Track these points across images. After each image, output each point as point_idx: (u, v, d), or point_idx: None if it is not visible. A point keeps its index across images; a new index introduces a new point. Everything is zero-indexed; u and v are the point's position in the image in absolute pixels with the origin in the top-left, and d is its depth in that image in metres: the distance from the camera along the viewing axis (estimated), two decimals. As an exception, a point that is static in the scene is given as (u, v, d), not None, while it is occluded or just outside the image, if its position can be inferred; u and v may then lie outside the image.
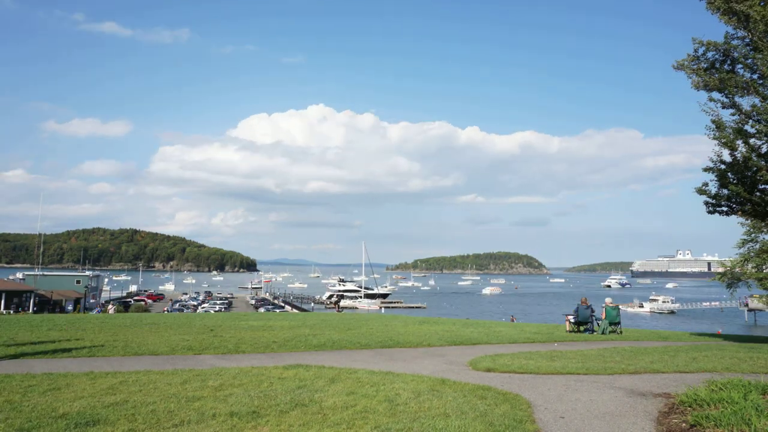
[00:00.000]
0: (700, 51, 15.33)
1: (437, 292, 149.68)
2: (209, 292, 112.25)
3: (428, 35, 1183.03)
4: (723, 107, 14.93)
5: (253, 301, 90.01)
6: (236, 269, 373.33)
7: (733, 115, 14.84)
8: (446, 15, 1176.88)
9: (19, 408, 5.65)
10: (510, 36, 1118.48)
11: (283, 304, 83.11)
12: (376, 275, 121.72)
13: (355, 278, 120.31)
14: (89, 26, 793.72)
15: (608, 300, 19.40)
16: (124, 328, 15.00)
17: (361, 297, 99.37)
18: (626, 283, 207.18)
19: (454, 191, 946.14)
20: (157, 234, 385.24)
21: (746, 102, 14.50)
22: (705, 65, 15.32)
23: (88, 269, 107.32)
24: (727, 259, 34.12)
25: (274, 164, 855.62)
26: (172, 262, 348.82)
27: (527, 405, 6.17)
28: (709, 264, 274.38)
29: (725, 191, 15.21)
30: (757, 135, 14.30)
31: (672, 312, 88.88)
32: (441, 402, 6.15)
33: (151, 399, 6.13)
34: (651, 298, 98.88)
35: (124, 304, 63.47)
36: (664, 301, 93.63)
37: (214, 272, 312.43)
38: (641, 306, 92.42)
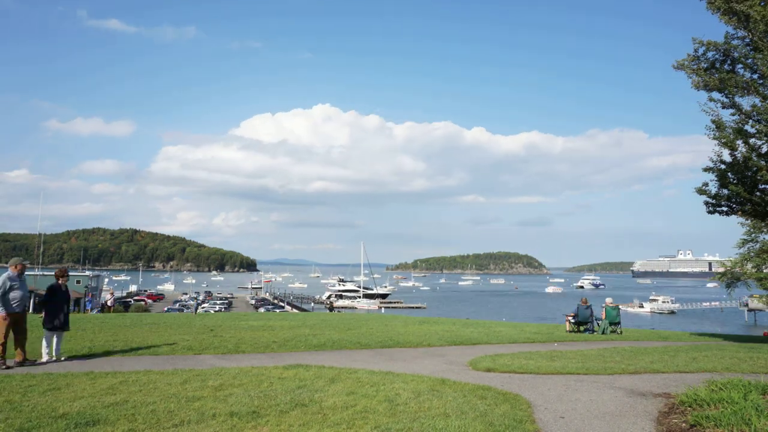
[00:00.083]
0: (701, 51, 15.34)
1: (478, 289, 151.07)
2: (209, 292, 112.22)
3: (435, 36, 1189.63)
4: (723, 107, 14.94)
5: (253, 301, 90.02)
6: (236, 269, 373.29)
7: (733, 115, 14.85)
8: (451, 16, 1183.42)
9: (19, 408, 5.65)
10: (515, 36, 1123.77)
11: (283, 304, 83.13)
12: (376, 275, 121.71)
13: (355, 278, 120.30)
14: (93, 23, 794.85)
15: (608, 300, 19.40)
16: (124, 328, 14.99)
17: (360, 297, 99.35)
18: (600, 284, 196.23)
19: (457, 191, 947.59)
20: (157, 234, 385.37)
21: (746, 102, 14.51)
22: (705, 65, 15.33)
23: (88, 269, 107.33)
24: (727, 259, 34.13)
25: (278, 163, 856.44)
26: (172, 262, 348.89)
27: (527, 405, 6.17)
28: (710, 264, 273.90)
29: (725, 191, 15.22)
30: (757, 135, 14.30)
31: (672, 312, 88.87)
32: (441, 402, 6.15)
33: (151, 399, 6.13)
34: (651, 298, 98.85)
35: (124, 304, 63.40)
36: (664, 301, 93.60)
37: (214, 272, 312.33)
38: (641, 306, 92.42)
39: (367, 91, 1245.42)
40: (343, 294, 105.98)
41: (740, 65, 14.79)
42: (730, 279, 31.36)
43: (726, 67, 15.02)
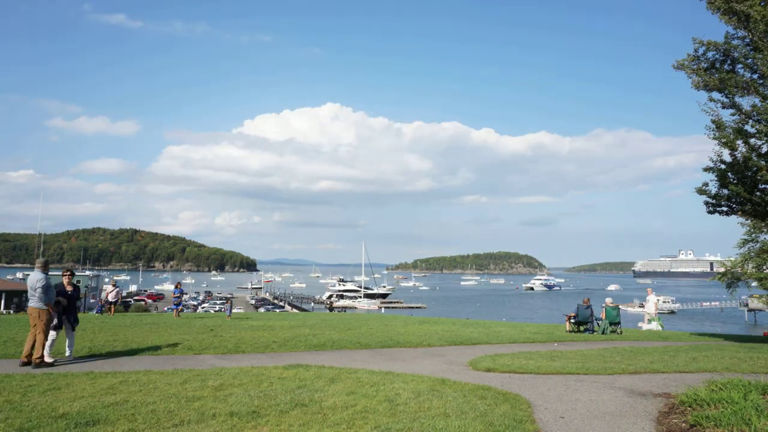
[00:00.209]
0: (701, 51, 15.33)
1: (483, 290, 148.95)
2: (209, 291, 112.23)
3: (447, 37, 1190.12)
4: (723, 107, 14.93)
5: (253, 301, 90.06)
6: (236, 269, 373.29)
7: (733, 115, 14.84)
8: (467, 15, 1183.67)
9: (19, 408, 5.65)
10: (526, 37, 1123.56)
11: (283, 304, 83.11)
12: (376, 275, 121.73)
13: (356, 278, 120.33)
14: (96, 17, 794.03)
15: (608, 300, 19.41)
16: (124, 328, 14.99)
17: (360, 297, 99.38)
18: (554, 285, 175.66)
19: (461, 191, 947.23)
20: (157, 234, 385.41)
21: (746, 102, 14.51)
22: (705, 65, 15.32)
23: (88, 269, 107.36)
24: (727, 259, 34.13)
25: (285, 162, 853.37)
26: (172, 262, 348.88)
27: (527, 405, 6.17)
28: (711, 264, 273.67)
29: (725, 191, 15.21)
30: (757, 135, 14.30)
31: (672, 312, 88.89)
32: (441, 402, 6.15)
33: (151, 399, 6.13)
34: None
35: (124, 304, 63.40)
36: (664, 301, 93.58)
37: (214, 272, 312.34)
38: (641, 306, 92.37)
39: (376, 90, 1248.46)
40: (344, 294, 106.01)
41: (740, 65, 14.79)
42: (731, 279, 31.37)
43: (726, 67, 15.02)
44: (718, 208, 15.71)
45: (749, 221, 22.20)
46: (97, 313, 21.34)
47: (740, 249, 27.80)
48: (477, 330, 17.14)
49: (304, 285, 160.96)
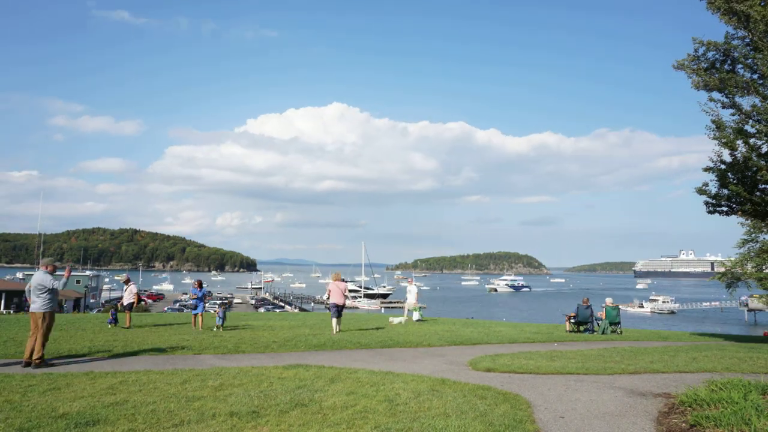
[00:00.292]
0: (701, 51, 15.35)
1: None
2: (209, 291, 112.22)
3: (455, 38, 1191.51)
4: (723, 107, 14.95)
5: (253, 301, 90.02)
6: (236, 269, 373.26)
7: (733, 115, 14.86)
8: (469, 15, 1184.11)
9: (19, 408, 5.65)
10: (533, 37, 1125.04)
11: (283, 304, 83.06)
12: (376, 275, 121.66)
13: (356, 278, 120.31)
14: (99, 13, 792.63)
15: (608, 300, 19.42)
16: (124, 328, 15.00)
17: (361, 297, 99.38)
18: (522, 285, 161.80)
19: (464, 191, 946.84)
20: (157, 234, 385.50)
21: (746, 102, 14.52)
22: (705, 65, 15.33)
23: (88, 269, 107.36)
24: (727, 259, 34.14)
25: (289, 161, 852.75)
26: (172, 262, 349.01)
27: (527, 405, 6.17)
28: (712, 264, 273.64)
29: (725, 191, 15.22)
30: (757, 135, 14.31)
31: (672, 312, 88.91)
32: (441, 402, 6.15)
33: (151, 399, 6.13)
34: (651, 298, 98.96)
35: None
36: (664, 302, 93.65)
37: (214, 272, 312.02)
38: (641, 306, 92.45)
39: (383, 90, 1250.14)
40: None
41: (740, 65, 14.80)
42: (731, 279, 31.37)
43: (726, 67, 15.03)
44: (718, 208, 15.72)
45: (749, 221, 22.21)
46: (110, 324, 15.55)
47: (740, 249, 27.82)
48: (477, 330, 17.14)
49: (304, 285, 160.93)
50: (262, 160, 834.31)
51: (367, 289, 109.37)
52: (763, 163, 14.01)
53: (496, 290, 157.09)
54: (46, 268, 9.12)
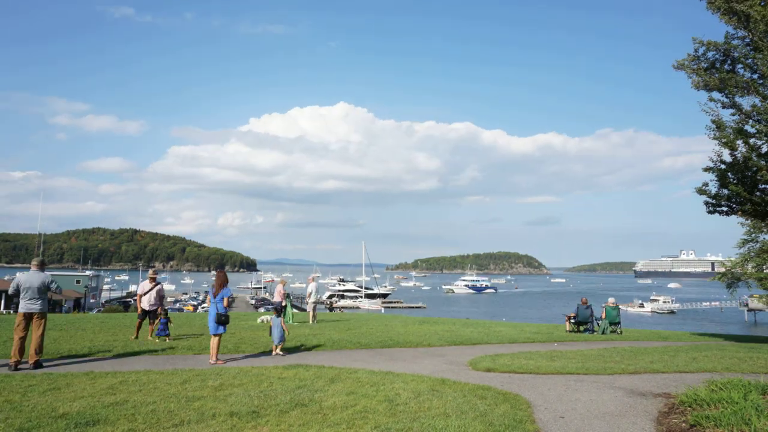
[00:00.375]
0: (701, 51, 15.34)
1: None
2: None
3: (462, 39, 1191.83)
4: (723, 107, 14.95)
5: (253, 301, 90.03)
6: (236, 269, 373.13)
7: (733, 115, 14.86)
8: (474, 16, 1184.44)
9: (19, 408, 5.65)
10: (537, 37, 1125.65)
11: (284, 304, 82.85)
12: (376, 275, 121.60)
13: (357, 278, 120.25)
14: (105, 9, 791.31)
15: (611, 300, 19.42)
16: (124, 328, 14.99)
17: (361, 297, 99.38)
18: (485, 286, 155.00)
19: (466, 191, 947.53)
20: (157, 234, 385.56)
21: (746, 102, 14.52)
22: (705, 65, 15.33)
23: (88, 269, 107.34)
24: (727, 259, 34.12)
25: (293, 160, 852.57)
26: (172, 262, 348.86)
27: (527, 405, 6.17)
28: (713, 264, 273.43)
29: (725, 191, 15.22)
30: (757, 135, 14.30)
31: (672, 312, 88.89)
32: (441, 402, 6.15)
33: (151, 399, 6.13)
34: (651, 298, 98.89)
35: (123, 304, 63.42)
36: (664, 301, 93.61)
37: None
38: (641, 306, 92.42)
39: (389, 90, 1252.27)
40: (345, 294, 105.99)
41: (740, 65, 14.80)
42: (731, 279, 31.34)
43: (726, 67, 15.03)
44: (718, 208, 15.72)
45: (749, 221, 22.18)
46: (159, 337, 12.29)
47: (740, 249, 27.80)
48: (477, 330, 17.14)
49: (304, 285, 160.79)
50: (266, 159, 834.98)
51: (368, 288, 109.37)
52: (763, 163, 14.01)
53: (453, 291, 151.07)
54: (39, 267, 9.09)
